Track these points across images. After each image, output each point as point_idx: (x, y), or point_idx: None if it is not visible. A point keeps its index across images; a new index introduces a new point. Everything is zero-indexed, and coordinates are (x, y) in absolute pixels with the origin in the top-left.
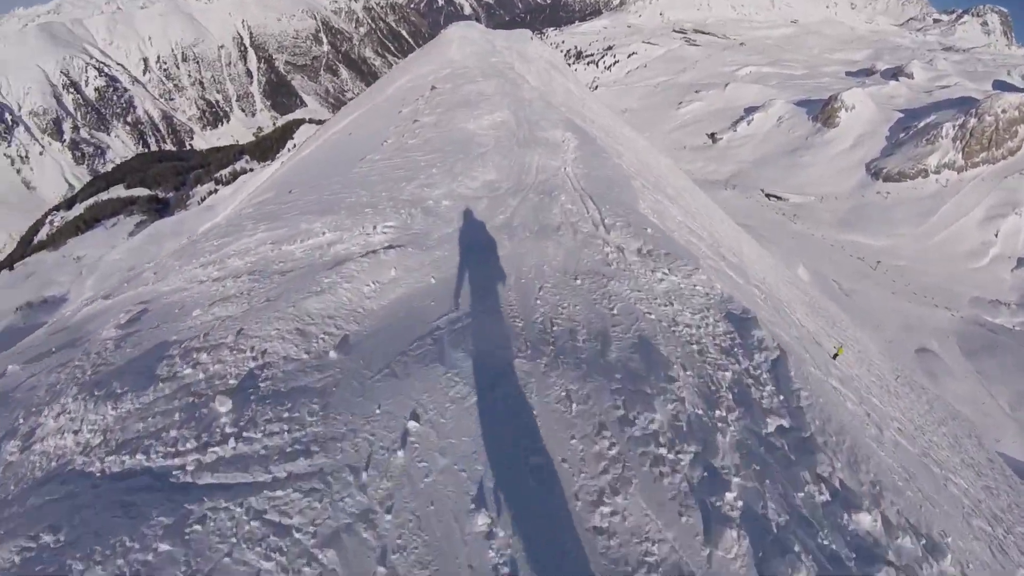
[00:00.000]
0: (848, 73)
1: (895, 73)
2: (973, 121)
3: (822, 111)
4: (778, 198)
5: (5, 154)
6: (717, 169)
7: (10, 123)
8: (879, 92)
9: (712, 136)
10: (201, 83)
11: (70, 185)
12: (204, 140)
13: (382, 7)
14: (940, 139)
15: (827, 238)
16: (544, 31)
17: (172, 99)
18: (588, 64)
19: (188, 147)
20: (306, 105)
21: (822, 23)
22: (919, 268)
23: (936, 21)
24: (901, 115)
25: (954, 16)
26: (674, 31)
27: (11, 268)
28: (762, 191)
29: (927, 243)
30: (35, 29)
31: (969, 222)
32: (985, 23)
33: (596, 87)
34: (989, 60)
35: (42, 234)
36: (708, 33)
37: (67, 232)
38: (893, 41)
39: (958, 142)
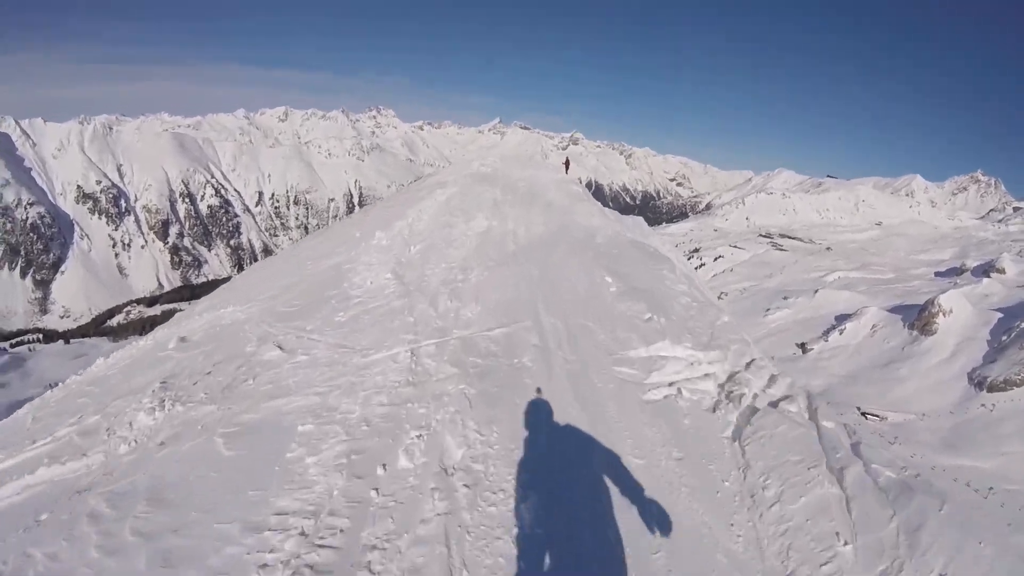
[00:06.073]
0: (937, 273)
1: (986, 269)
2: None
3: (918, 318)
4: (877, 416)
5: (110, 235)
6: (808, 383)
7: (123, 209)
8: (973, 292)
9: (802, 346)
10: (306, 227)
11: (160, 284)
12: None
13: None
14: None
15: (930, 462)
16: None
17: (276, 235)
18: None
19: None
20: None
21: (906, 224)
22: None
23: (1016, 209)
24: (1000, 315)
25: None
26: (760, 236)
27: (67, 342)
28: (858, 409)
29: None
30: (170, 136)
31: None
32: None
33: None
34: None
35: (115, 320)
36: (794, 238)
37: (135, 328)
38: (977, 235)
39: None
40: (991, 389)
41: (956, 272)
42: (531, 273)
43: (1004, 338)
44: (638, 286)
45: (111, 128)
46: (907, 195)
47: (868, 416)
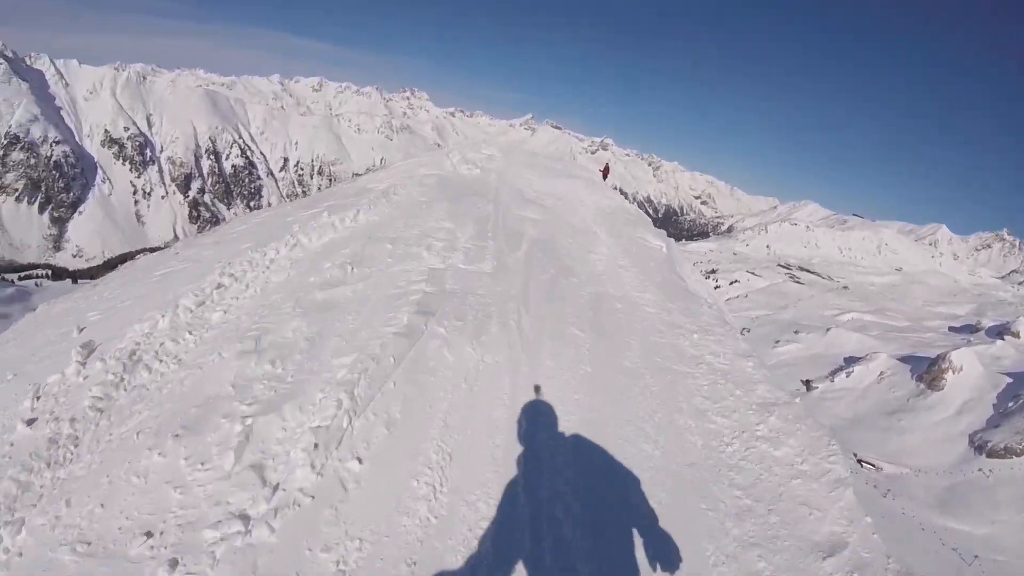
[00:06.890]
0: (952, 328)
1: (1000, 331)
2: None
3: (928, 371)
4: (872, 466)
5: (132, 182)
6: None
7: (148, 158)
8: (985, 352)
9: (807, 383)
10: None
11: (175, 236)
12: None
13: None
14: None
15: (920, 520)
16: None
17: None
18: None
19: None
20: None
21: (926, 273)
22: (1020, 564)
23: None
24: (1010, 380)
25: None
26: (779, 265)
27: (75, 281)
28: (854, 455)
29: None
30: (202, 92)
31: None
32: None
33: None
34: None
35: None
36: (813, 272)
37: None
38: (996, 295)
39: None
40: (991, 454)
41: (970, 329)
42: None
43: (1011, 404)
44: None
45: (145, 78)
46: (931, 244)
47: (864, 464)
